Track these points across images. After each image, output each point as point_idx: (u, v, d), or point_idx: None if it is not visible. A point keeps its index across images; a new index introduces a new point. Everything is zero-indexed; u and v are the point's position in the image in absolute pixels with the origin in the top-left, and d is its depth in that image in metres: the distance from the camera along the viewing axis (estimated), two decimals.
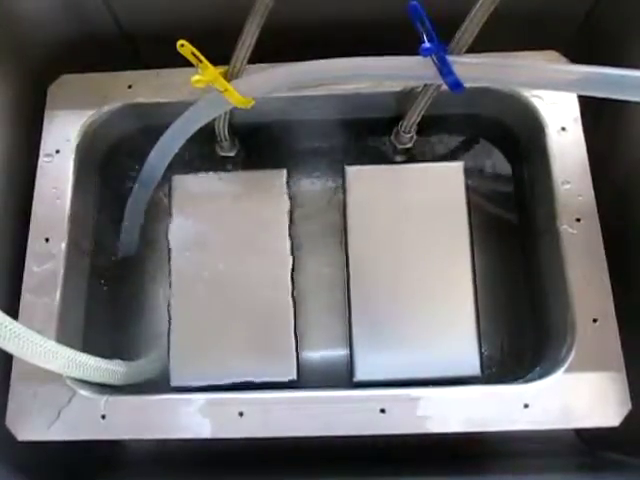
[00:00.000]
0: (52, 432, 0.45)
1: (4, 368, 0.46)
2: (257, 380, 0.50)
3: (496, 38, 0.44)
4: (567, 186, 0.49)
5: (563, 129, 0.50)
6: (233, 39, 0.43)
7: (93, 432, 0.45)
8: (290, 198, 0.55)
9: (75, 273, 0.52)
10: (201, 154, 0.60)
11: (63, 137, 0.53)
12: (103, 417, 0.45)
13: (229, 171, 0.57)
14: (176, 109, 0.47)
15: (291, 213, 0.54)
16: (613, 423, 0.43)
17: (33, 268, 0.49)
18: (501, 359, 0.57)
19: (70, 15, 0.57)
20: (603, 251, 0.47)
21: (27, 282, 0.49)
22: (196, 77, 0.42)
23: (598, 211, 0.48)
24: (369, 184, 0.54)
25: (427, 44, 0.37)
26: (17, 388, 0.46)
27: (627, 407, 0.43)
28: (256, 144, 0.60)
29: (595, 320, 0.45)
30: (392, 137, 0.55)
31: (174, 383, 0.51)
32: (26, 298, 0.48)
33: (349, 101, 0.54)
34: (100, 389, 0.46)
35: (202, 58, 0.41)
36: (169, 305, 0.53)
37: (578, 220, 0.48)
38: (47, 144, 0.53)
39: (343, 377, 0.54)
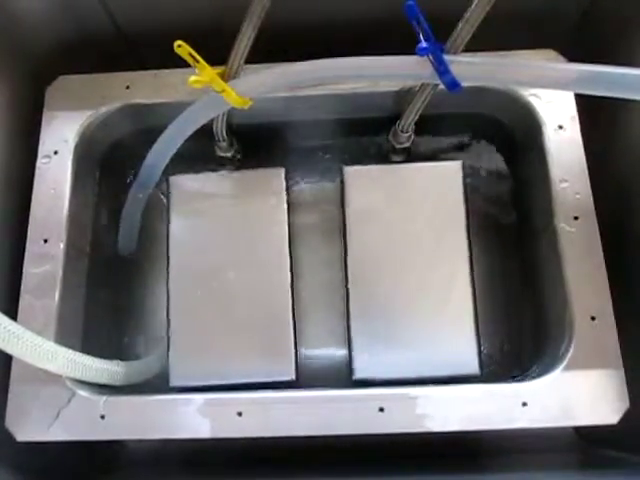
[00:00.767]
0: (51, 433, 0.45)
1: (3, 369, 0.46)
2: (256, 380, 0.50)
3: (493, 37, 0.44)
4: (564, 184, 0.49)
5: (560, 127, 0.50)
6: (230, 39, 0.42)
7: (92, 432, 0.45)
8: (288, 198, 0.55)
9: (74, 274, 0.52)
10: (199, 154, 0.60)
11: (61, 138, 0.53)
12: (102, 417, 0.45)
13: (227, 171, 0.57)
14: (174, 110, 0.47)
15: (289, 213, 0.54)
16: (612, 421, 0.43)
17: (32, 269, 0.49)
18: (500, 358, 0.57)
19: (68, 16, 0.57)
20: (601, 249, 0.47)
21: (26, 283, 0.49)
22: (193, 78, 0.42)
23: (595, 209, 0.48)
24: (367, 184, 0.54)
25: (424, 44, 0.37)
26: (16, 389, 0.46)
27: (625, 404, 0.43)
28: (254, 144, 0.60)
29: (593, 318, 0.45)
30: (390, 137, 0.55)
31: (173, 383, 0.51)
32: (25, 299, 0.48)
33: (347, 101, 0.54)
34: (99, 389, 0.47)
35: (199, 58, 0.41)
36: (168, 305, 0.53)
37: (576, 218, 0.48)
38: (45, 145, 0.53)
39: (342, 377, 0.54)
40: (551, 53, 0.52)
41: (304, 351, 0.57)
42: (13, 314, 0.47)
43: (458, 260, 0.52)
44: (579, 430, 0.57)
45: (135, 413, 0.45)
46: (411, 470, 0.52)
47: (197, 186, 0.56)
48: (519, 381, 0.46)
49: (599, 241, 0.47)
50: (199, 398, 0.45)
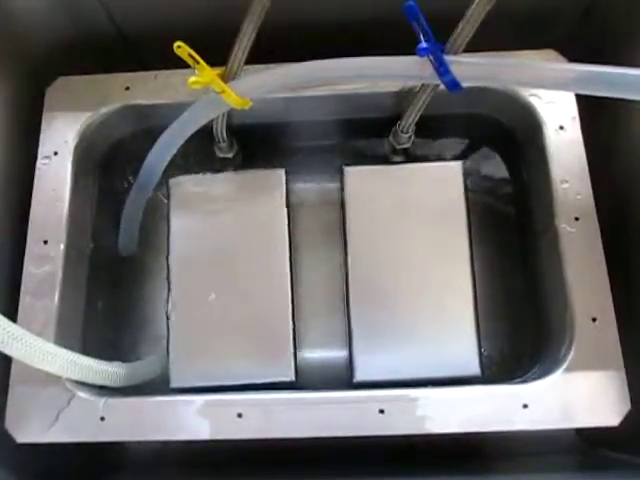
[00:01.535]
0: (51, 434, 0.45)
1: (3, 370, 0.46)
2: (256, 381, 0.50)
3: (494, 37, 0.44)
4: (565, 185, 0.49)
5: (561, 128, 0.50)
6: (230, 40, 0.42)
7: (92, 434, 0.45)
8: (288, 198, 0.55)
9: (74, 275, 0.52)
10: (199, 155, 0.60)
11: (61, 139, 0.53)
12: (102, 419, 0.45)
13: (227, 172, 0.57)
14: (174, 110, 0.47)
15: (289, 213, 0.54)
16: (613, 422, 0.43)
17: (32, 270, 0.49)
18: (500, 359, 0.57)
19: (68, 17, 0.57)
20: (602, 250, 0.47)
21: (26, 284, 0.49)
22: (193, 78, 0.42)
23: (596, 210, 0.48)
24: (368, 184, 0.54)
25: (424, 44, 0.37)
26: (16, 390, 0.46)
27: (627, 406, 0.43)
28: (254, 145, 0.60)
29: (594, 319, 0.45)
30: (390, 137, 0.55)
31: (174, 384, 0.51)
32: (25, 300, 0.48)
33: (347, 101, 0.54)
34: (99, 391, 0.46)
35: (199, 59, 0.41)
36: (168, 306, 0.53)
37: (577, 219, 0.48)
38: (45, 146, 0.53)
39: (342, 378, 0.54)
40: (551, 53, 0.52)
41: (304, 352, 0.56)
42: (13, 315, 0.47)
43: (459, 261, 0.51)
44: (580, 432, 0.57)
45: (135, 414, 0.45)
46: (411, 472, 0.52)
47: (197, 187, 0.56)
48: (520, 383, 0.46)
49: (600, 242, 0.47)
50: (199, 399, 0.45)
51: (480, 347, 0.50)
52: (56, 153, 0.52)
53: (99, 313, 0.57)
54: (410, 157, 0.57)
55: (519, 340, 0.57)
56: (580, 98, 0.51)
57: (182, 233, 0.54)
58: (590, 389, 0.44)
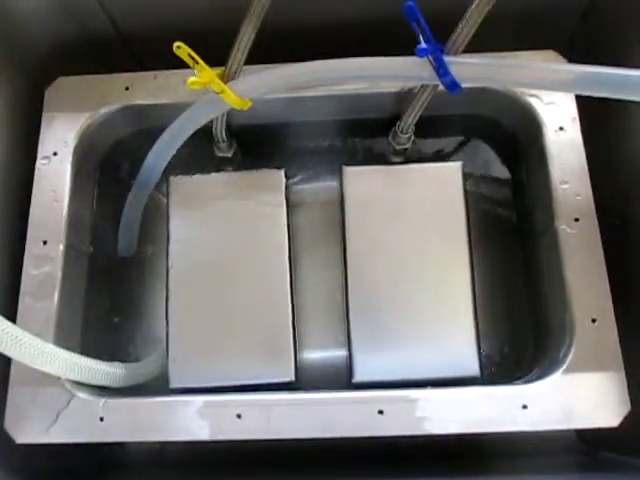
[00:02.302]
0: (50, 435, 0.45)
1: (2, 371, 0.46)
2: (256, 381, 0.50)
3: (493, 38, 0.44)
4: (565, 186, 0.49)
5: (561, 129, 0.50)
6: (230, 40, 0.42)
7: (91, 434, 0.45)
8: (288, 198, 0.55)
9: (73, 275, 0.52)
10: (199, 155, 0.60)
11: (61, 139, 0.53)
12: (101, 419, 0.45)
13: (227, 172, 0.57)
14: (173, 111, 0.47)
15: (289, 213, 0.54)
16: (612, 423, 0.43)
17: (31, 271, 0.49)
18: (500, 360, 0.57)
19: (67, 17, 0.57)
20: (602, 251, 0.47)
21: (25, 285, 0.49)
22: (192, 79, 0.42)
23: (596, 210, 0.48)
24: (367, 185, 0.54)
25: (423, 45, 0.37)
26: (15, 391, 0.46)
27: (626, 407, 0.43)
28: (254, 145, 0.60)
29: (594, 320, 0.45)
30: (390, 138, 0.55)
31: (173, 385, 0.51)
32: (24, 301, 0.48)
33: (346, 102, 0.54)
34: (98, 391, 0.46)
35: (198, 59, 0.41)
36: (167, 307, 0.52)
37: (576, 220, 0.48)
38: (45, 146, 0.53)
39: (342, 378, 0.54)
40: (551, 54, 0.52)
41: (304, 353, 0.56)
42: (12, 316, 0.47)
43: (458, 262, 0.51)
44: (581, 432, 0.57)
45: (134, 415, 0.45)
46: (410, 473, 0.52)
47: (197, 187, 0.56)
48: (519, 383, 0.46)
49: (600, 243, 0.47)
50: (198, 400, 0.45)
51: (479, 348, 0.50)
52: (56, 153, 0.52)
53: (98, 314, 0.57)
54: (409, 157, 0.57)
55: (519, 341, 0.57)
56: (580, 99, 0.51)
57: (181, 233, 0.54)
58: (590, 390, 0.43)
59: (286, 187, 0.55)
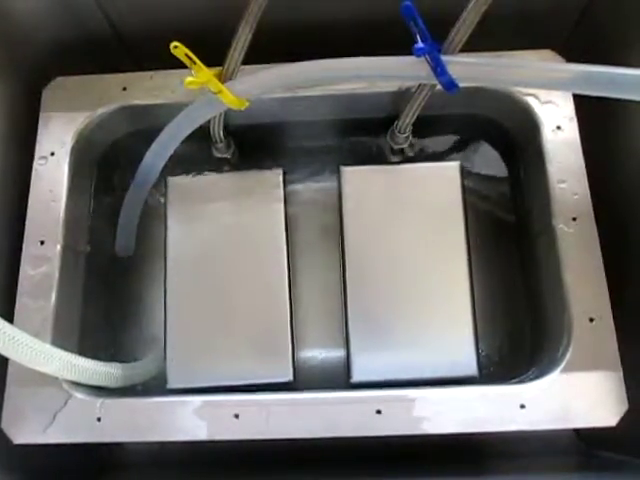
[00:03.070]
0: (48, 435, 0.45)
1: None
2: (254, 382, 0.50)
3: (491, 37, 0.44)
4: (563, 185, 0.49)
5: (558, 128, 0.50)
6: (227, 40, 0.42)
7: (89, 435, 0.45)
8: (286, 198, 0.55)
9: (71, 275, 0.52)
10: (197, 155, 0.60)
11: (58, 139, 0.53)
12: (99, 420, 0.45)
13: (225, 172, 0.57)
14: (171, 111, 0.47)
15: (287, 213, 0.54)
16: (610, 423, 0.43)
17: (28, 271, 0.49)
18: (498, 359, 0.57)
19: (64, 17, 0.56)
20: (599, 250, 0.47)
21: (22, 285, 0.49)
22: (190, 79, 0.42)
23: (594, 210, 0.48)
24: (365, 184, 0.54)
25: (420, 44, 0.37)
26: (13, 391, 0.46)
27: (624, 406, 0.43)
28: (251, 145, 0.59)
29: (591, 319, 0.45)
30: (387, 137, 0.55)
31: (171, 385, 0.51)
32: (22, 301, 0.48)
33: (344, 101, 0.54)
34: (96, 392, 0.46)
35: (196, 59, 0.40)
36: (165, 307, 0.52)
37: (574, 219, 0.48)
38: (42, 146, 0.53)
39: (340, 378, 0.54)
40: (549, 53, 0.52)
41: (302, 353, 0.56)
42: (10, 316, 0.47)
43: (456, 261, 0.51)
44: (579, 432, 0.57)
45: (132, 415, 0.45)
46: (409, 473, 0.52)
47: (195, 187, 0.56)
48: (517, 383, 0.46)
49: (597, 242, 0.47)
50: (196, 400, 0.45)
51: (478, 347, 0.50)
52: (53, 153, 0.52)
53: (96, 314, 0.57)
54: (407, 157, 0.57)
55: (516, 340, 0.57)
56: (578, 98, 0.51)
57: (179, 233, 0.54)
58: (588, 389, 0.43)
59: (284, 187, 0.55)
